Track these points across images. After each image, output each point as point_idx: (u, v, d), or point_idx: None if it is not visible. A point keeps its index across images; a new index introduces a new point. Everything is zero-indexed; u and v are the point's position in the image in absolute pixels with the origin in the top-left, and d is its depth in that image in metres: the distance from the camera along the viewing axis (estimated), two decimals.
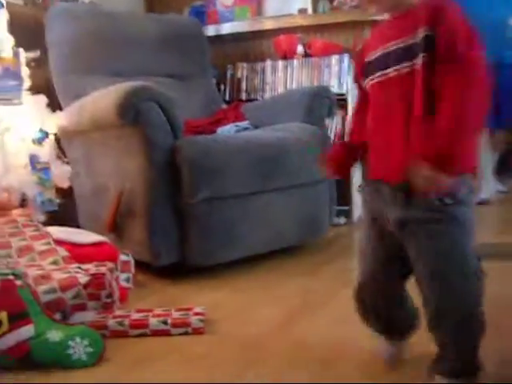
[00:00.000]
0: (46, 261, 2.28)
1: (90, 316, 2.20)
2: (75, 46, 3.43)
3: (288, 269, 2.93)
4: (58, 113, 2.74)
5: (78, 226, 3.11)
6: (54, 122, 2.58)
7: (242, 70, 4.52)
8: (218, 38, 4.54)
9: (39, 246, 2.35)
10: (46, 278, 2.14)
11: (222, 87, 4.53)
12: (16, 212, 2.63)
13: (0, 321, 1.92)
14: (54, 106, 2.82)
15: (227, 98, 4.47)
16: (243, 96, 4.46)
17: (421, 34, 1.45)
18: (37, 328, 1.92)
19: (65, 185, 2.64)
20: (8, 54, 2.54)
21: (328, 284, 2.65)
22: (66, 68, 3.36)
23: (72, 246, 2.48)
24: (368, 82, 1.65)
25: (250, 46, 4.58)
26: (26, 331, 1.91)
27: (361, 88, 1.74)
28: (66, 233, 2.62)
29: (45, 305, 2.05)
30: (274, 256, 3.03)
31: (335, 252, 3.28)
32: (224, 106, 4.03)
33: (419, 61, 1.46)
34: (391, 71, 1.54)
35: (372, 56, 1.62)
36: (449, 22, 1.43)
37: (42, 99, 2.62)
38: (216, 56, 4.42)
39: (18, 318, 1.95)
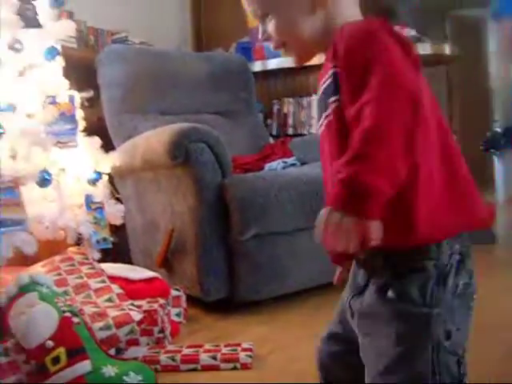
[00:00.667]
0: (102, 298, 2.37)
1: (142, 351, 2.28)
2: (126, 87, 3.55)
3: (334, 304, 2.96)
4: (112, 153, 2.84)
5: (129, 262, 3.19)
6: (108, 163, 2.68)
7: (289, 104, 4.60)
8: (265, 74, 4.62)
9: (94, 283, 2.45)
10: (101, 315, 2.23)
11: (269, 122, 4.61)
12: (72, 250, 2.73)
13: (58, 356, 2.01)
14: (107, 146, 2.92)
15: (274, 132, 4.55)
16: (290, 131, 4.53)
17: (330, 72, 1.24)
18: (93, 363, 1.99)
19: (118, 222, 2.73)
20: (64, 98, 2.64)
21: None
22: (118, 108, 3.48)
23: (125, 282, 2.56)
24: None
25: (295, 81, 4.65)
26: (83, 366, 1.98)
27: None
28: (119, 269, 2.71)
29: (100, 341, 2.14)
30: (320, 291, 3.06)
31: None
32: (271, 141, 4.10)
33: (332, 104, 1.22)
34: (322, 118, 1.30)
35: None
36: (343, 47, 1.20)
37: (96, 141, 2.72)
38: (262, 91, 4.51)
39: (75, 353, 2.03)
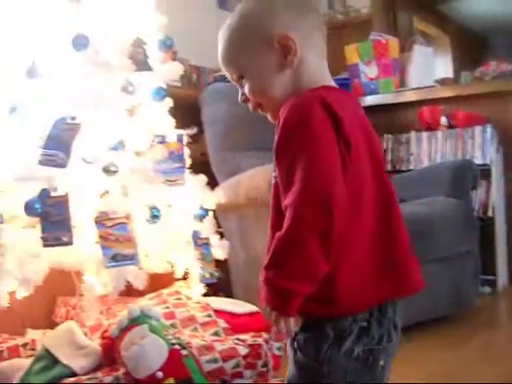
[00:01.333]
0: (208, 332, 2.45)
1: (246, 382, 2.34)
2: (229, 125, 3.66)
3: (432, 340, 2.96)
4: (217, 190, 2.93)
5: (230, 296, 3.27)
6: (213, 200, 2.76)
7: (387, 141, 4.62)
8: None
9: (201, 317, 2.53)
10: (208, 348, 2.31)
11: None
12: (179, 284, 2.83)
13: None
14: (210, 180, 3.01)
15: None
16: (388, 167, 4.55)
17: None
18: None
19: (222, 257, 2.81)
20: (172, 138, 2.74)
21: (469, 358, 2.66)
22: (221, 145, 3.59)
23: (229, 316, 2.64)
24: None
25: (394, 118, 4.67)
26: None
27: None
28: (223, 303, 2.79)
29: (207, 373, 2.22)
30: (419, 327, 3.07)
31: (480, 323, 3.28)
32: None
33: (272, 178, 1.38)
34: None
35: None
36: (279, 131, 1.30)
37: (203, 178, 2.81)
38: None
39: None
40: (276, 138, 1.31)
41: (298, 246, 1.22)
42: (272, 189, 1.42)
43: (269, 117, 1.50)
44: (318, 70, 1.44)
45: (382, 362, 1.33)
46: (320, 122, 1.26)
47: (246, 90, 1.45)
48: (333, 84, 1.46)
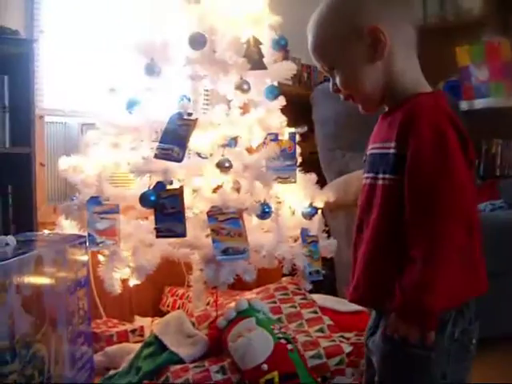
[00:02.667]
0: (313, 328, 2.49)
1: (347, 381, 2.35)
2: (339, 124, 3.68)
3: None
4: (325, 189, 2.94)
5: (334, 294, 3.29)
6: (322, 198, 2.78)
7: (497, 145, 4.52)
8: (471, 113, 4.55)
9: (307, 313, 2.57)
10: (313, 344, 2.34)
11: (476, 162, 4.55)
12: (286, 280, 2.87)
13: (272, 379, 2.14)
14: (321, 181, 3.03)
15: (481, 173, 4.49)
16: (497, 172, 4.46)
17: (391, 149, 1.38)
18: None
19: (329, 256, 2.82)
20: (285, 136, 2.78)
21: None
22: (331, 145, 3.61)
23: (334, 314, 2.66)
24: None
25: (505, 122, 4.55)
26: None
27: None
28: (328, 300, 2.82)
29: (310, 368, 2.25)
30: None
31: None
32: (478, 182, 4.07)
33: (385, 177, 1.40)
34: (369, 177, 1.47)
35: (367, 152, 1.55)
36: (417, 141, 1.32)
37: (313, 177, 2.83)
38: (468, 131, 4.46)
39: (287, 378, 2.16)
40: (412, 152, 1.33)
41: (444, 266, 1.28)
42: (369, 187, 1.47)
43: (359, 108, 1.55)
44: (408, 63, 1.47)
45: (474, 341, 1.43)
46: (454, 144, 1.32)
47: (337, 81, 1.49)
48: (424, 80, 1.50)
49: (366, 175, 1.50)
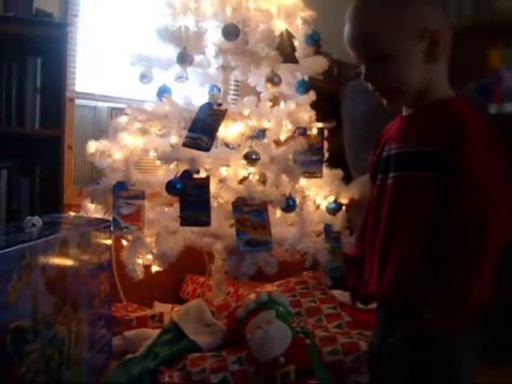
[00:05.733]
0: (332, 324, 2.48)
1: (363, 379, 2.34)
2: (367, 122, 3.64)
3: None
4: (350, 186, 2.93)
5: None
6: (348, 195, 2.77)
7: None
8: (502, 117, 4.50)
9: (326, 309, 2.57)
10: (331, 339, 2.34)
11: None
12: (307, 274, 2.87)
13: (288, 373, 2.14)
14: (346, 177, 3.02)
15: None
16: None
17: (436, 146, 1.38)
18: None
19: (351, 253, 2.82)
20: (313, 130, 2.78)
21: None
22: (358, 141, 3.58)
23: (353, 311, 2.65)
24: (378, 179, 1.56)
25: None
26: None
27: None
28: (347, 297, 2.80)
29: (326, 363, 2.25)
30: None
31: None
32: None
33: (429, 174, 1.39)
34: (405, 174, 1.46)
35: (388, 151, 1.55)
36: (469, 145, 1.34)
37: (339, 173, 2.83)
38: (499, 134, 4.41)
39: (303, 372, 2.16)
40: (464, 156, 1.34)
41: (484, 267, 1.32)
42: (398, 185, 1.48)
43: (384, 102, 1.57)
44: (444, 71, 1.50)
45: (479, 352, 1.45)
46: (498, 149, 1.37)
47: (376, 72, 1.48)
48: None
49: (392, 174, 1.49)
